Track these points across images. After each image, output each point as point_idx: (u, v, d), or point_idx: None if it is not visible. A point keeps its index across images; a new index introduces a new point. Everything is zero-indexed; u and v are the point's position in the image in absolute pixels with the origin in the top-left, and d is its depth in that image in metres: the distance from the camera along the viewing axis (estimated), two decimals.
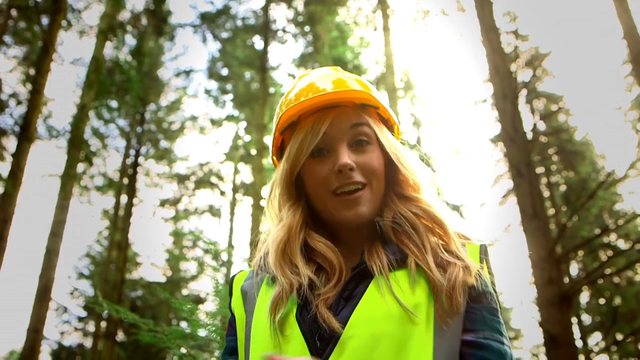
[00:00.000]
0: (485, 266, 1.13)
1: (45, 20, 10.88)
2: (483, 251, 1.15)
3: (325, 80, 1.18)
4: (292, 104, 1.15)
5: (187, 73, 18.60)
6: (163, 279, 21.97)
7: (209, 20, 16.07)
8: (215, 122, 20.53)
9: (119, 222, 18.35)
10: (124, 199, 18.48)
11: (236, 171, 20.55)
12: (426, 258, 1.05)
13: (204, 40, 16.52)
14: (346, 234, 1.16)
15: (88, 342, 20.48)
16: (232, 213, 19.82)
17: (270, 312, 1.04)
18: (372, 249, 1.10)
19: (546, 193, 16.48)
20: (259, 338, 1.05)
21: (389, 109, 1.23)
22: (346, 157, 1.10)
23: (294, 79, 1.29)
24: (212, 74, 18.34)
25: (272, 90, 16.77)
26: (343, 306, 1.02)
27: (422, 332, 0.97)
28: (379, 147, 1.17)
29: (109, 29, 13.55)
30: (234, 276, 1.28)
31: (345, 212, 1.10)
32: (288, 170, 1.17)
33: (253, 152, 17.83)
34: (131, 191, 17.75)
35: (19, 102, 11.09)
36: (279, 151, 1.27)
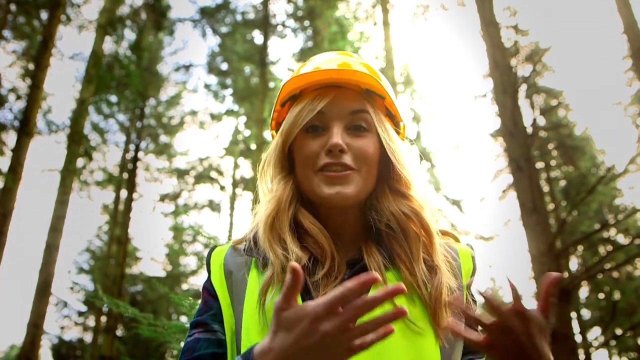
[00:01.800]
0: (472, 266, 1.16)
1: (44, 15, 10.87)
2: (473, 253, 1.18)
3: (330, 63, 1.16)
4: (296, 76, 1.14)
5: (187, 68, 18.58)
6: (163, 274, 22.00)
7: (209, 15, 16.04)
8: (215, 117, 20.50)
9: (119, 217, 18.35)
10: (123, 193, 18.48)
11: (236, 166, 20.54)
12: (415, 270, 1.04)
13: (204, 34, 16.50)
14: (331, 216, 1.13)
15: (88, 337, 20.54)
16: (231, 208, 19.82)
17: (260, 296, 1.01)
18: (369, 249, 1.08)
19: (546, 188, 16.48)
20: (252, 325, 1.01)
21: (397, 102, 1.21)
22: (338, 138, 1.07)
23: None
24: (212, 68, 18.30)
25: (271, 84, 16.72)
26: None
27: (429, 342, 0.98)
28: (377, 136, 1.14)
29: (108, 23, 13.53)
30: (211, 251, 1.22)
31: (327, 189, 1.08)
32: (281, 142, 1.15)
33: (253, 146, 17.82)
34: (131, 186, 17.76)
35: (18, 97, 11.07)
36: (279, 126, 1.25)
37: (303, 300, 1.00)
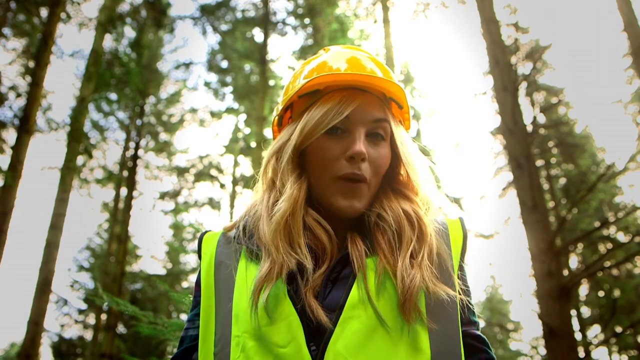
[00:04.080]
0: (461, 235, 1.16)
1: (44, 13, 10.86)
2: (463, 223, 1.19)
3: (339, 58, 1.15)
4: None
5: (187, 65, 18.54)
6: (163, 272, 22.02)
7: (209, 13, 16.00)
8: (215, 115, 20.50)
9: (119, 215, 18.35)
10: (123, 191, 18.48)
11: (236, 164, 20.53)
12: (397, 260, 1.03)
13: (204, 32, 16.44)
14: (332, 216, 1.12)
15: (88, 335, 20.57)
16: (232, 206, 19.78)
17: (254, 292, 0.99)
18: (354, 238, 1.08)
19: (546, 186, 16.47)
20: (243, 316, 1.01)
21: (410, 108, 1.22)
22: (362, 145, 1.06)
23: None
24: (212, 66, 18.27)
25: (272, 82, 16.73)
26: (330, 289, 1.02)
27: (416, 326, 0.98)
28: (390, 144, 1.15)
29: (108, 21, 13.51)
30: (202, 236, 1.21)
31: (341, 200, 1.07)
32: (299, 140, 1.11)
33: (253, 144, 17.82)
34: (131, 184, 17.75)
35: (18, 95, 11.07)
36: (284, 113, 1.22)
37: (290, 286, 1.00)
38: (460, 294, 1.07)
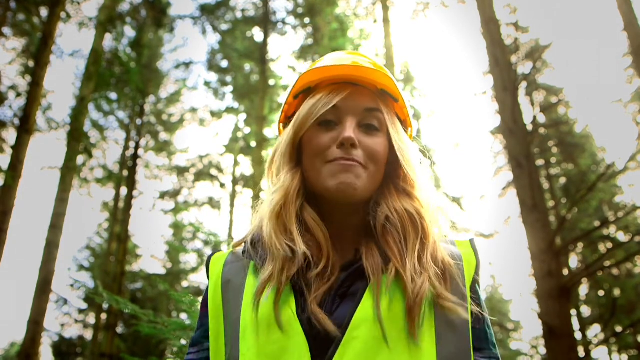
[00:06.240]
0: (474, 259, 1.13)
1: (44, 12, 10.84)
2: (474, 245, 1.15)
3: (341, 63, 1.15)
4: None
5: (187, 65, 18.53)
6: (163, 271, 21.99)
7: (209, 12, 16.00)
8: (215, 114, 20.49)
9: (119, 215, 18.35)
10: (123, 191, 18.47)
11: (236, 163, 20.53)
12: (406, 267, 1.01)
13: (204, 32, 16.44)
14: (334, 214, 1.11)
15: (88, 334, 20.55)
16: (232, 205, 19.80)
17: (256, 293, 1.00)
18: (369, 249, 1.06)
19: (546, 185, 16.48)
20: (249, 327, 1.00)
21: (408, 106, 1.21)
22: (351, 132, 1.07)
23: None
24: (212, 66, 18.27)
25: (272, 82, 16.72)
26: (338, 304, 1.00)
27: (425, 343, 0.96)
28: (387, 137, 1.14)
29: (108, 20, 13.50)
30: (209, 258, 1.21)
31: (334, 179, 1.05)
32: (293, 134, 1.13)
33: (253, 144, 17.81)
34: (131, 183, 17.74)
35: (18, 94, 11.06)
36: (287, 119, 1.24)
37: (296, 301, 0.99)
38: (471, 313, 1.05)
